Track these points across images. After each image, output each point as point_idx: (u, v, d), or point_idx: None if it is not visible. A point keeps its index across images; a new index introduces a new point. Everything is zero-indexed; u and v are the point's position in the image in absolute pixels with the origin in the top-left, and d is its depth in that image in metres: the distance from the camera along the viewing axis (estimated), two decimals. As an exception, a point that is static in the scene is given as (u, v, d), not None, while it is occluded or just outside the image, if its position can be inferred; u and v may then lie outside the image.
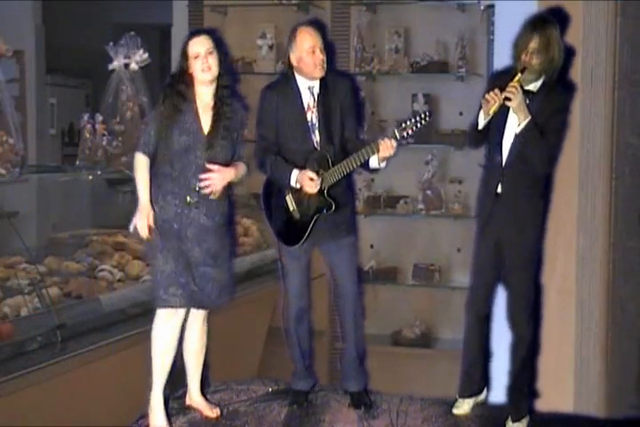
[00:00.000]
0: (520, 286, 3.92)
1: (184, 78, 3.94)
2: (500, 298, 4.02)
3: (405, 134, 3.89)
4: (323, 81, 4.06)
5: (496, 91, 3.76)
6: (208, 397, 4.20)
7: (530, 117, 3.77)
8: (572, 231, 4.54)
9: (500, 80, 3.87)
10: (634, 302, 4.77)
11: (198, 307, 4.01)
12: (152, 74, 5.87)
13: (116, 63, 5.58)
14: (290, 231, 4.08)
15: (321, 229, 4.04)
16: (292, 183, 4.00)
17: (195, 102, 3.94)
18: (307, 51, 3.98)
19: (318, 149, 4.02)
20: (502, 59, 4.54)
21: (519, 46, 3.80)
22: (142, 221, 3.86)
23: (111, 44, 5.54)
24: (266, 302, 6.05)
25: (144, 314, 4.96)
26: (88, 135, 5.53)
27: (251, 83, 7.16)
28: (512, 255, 3.91)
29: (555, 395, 4.36)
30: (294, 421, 4.04)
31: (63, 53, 8.99)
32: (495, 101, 3.75)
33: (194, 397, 4.14)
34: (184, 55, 3.95)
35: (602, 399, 4.66)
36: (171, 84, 3.95)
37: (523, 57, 3.78)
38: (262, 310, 6.07)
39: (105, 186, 7.18)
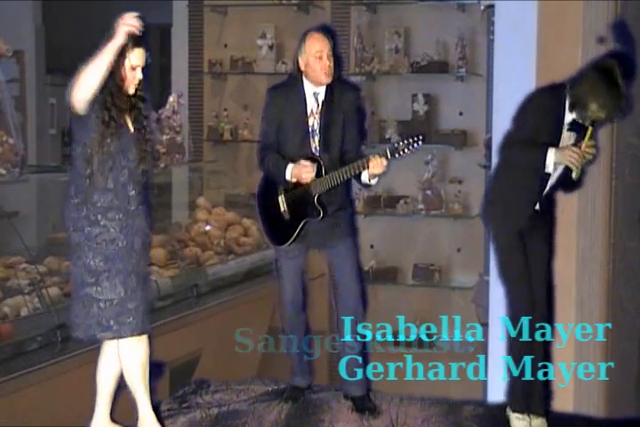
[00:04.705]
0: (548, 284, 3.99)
1: (121, 91, 3.71)
2: (501, 301, 4.02)
3: (397, 155, 3.85)
4: (329, 88, 4.02)
5: (577, 151, 3.72)
6: (208, 397, 4.20)
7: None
8: (572, 231, 4.54)
9: (554, 97, 3.78)
10: (634, 302, 4.77)
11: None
12: (152, 74, 5.86)
13: (116, 63, 5.56)
14: (279, 231, 4.07)
15: (316, 231, 4.02)
16: (288, 176, 3.96)
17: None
18: (314, 55, 3.93)
19: (316, 154, 3.99)
20: (502, 59, 4.56)
21: (601, 102, 3.68)
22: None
23: (111, 44, 5.53)
24: (266, 302, 6.05)
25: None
26: (88, 135, 5.52)
27: (251, 83, 7.20)
28: (541, 261, 3.96)
29: (555, 395, 4.36)
30: (294, 421, 4.04)
31: (63, 53, 8.97)
32: (579, 161, 3.74)
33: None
34: (120, 61, 3.69)
35: (602, 399, 4.66)
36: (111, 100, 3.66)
37: (600, 113, 3.70)
38: (262, 310, 6.07)
39: (105, 186, 7.16)
